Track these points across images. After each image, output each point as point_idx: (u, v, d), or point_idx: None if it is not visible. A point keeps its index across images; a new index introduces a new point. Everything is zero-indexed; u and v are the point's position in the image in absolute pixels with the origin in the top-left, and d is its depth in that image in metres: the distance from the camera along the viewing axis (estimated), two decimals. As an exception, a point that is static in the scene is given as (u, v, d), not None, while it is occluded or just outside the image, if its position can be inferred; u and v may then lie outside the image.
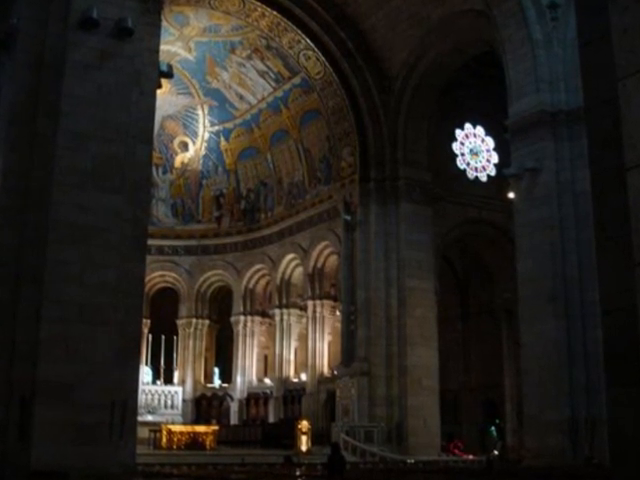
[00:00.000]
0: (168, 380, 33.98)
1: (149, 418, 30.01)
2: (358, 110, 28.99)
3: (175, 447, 25.31)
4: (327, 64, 28.78)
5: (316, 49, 28.60)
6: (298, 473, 16.25)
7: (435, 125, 29.79)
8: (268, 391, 33.72)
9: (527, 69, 21.82)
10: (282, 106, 32.01)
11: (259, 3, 27.46)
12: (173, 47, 30.18)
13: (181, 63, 31.26)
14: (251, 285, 35.51)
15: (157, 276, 35.54)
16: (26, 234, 12.36)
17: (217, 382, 36.42)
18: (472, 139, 32.04)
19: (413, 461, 23.40)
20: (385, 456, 24.50)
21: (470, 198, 30.62)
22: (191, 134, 35.15)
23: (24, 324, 11.93)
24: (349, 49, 28.49)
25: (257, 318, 35.36)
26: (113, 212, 12.85)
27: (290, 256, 33.42)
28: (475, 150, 31.90)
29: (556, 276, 20.15)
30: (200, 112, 34.29)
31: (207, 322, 36.42)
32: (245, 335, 35.02)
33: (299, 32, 28.32)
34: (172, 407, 32.69)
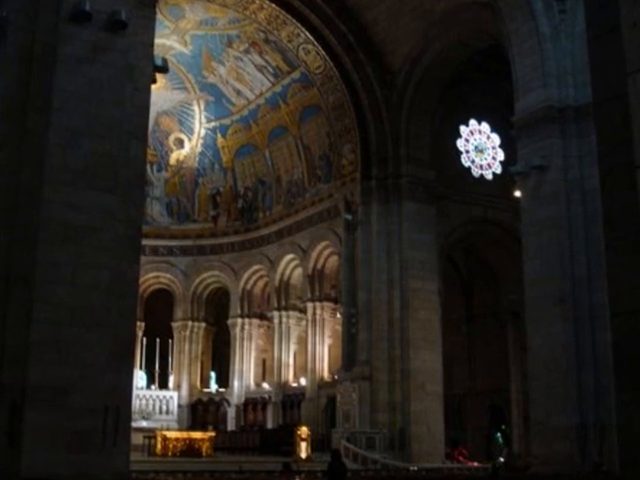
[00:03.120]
0: (163, 385, 33.84)
1: (143, 424, 29.90)
2: (359, 106, 28.73)
3: (170, 454, 25.11)
4: (327, 58, 28.55)
5: (316, 43, 28.34)
6: (297, 481, 16.02)
7: (439, 121, 29.65)
8: (266, 396, 33.50)
9: (534, 63, 21.60)
10: (281, 102, 31.77)
11: (257, -5, 27.13)
12: (168, 41, 30.01)
13: (176, 57, 31.10)
14: (249, 287, 35.30)
15: (152, 277, 35.41)
16: (16, 233, 12.08)
17: (214, 387, 36.53)
18: (477, 136, 31.89)
19: (416, 469, 23.10)
20: (387, 463, 24.22)
21: (475, 197, 30.40)
22: (187, 130, 35.03)
23: (14, 326, 11.64)
24: (350, 43, 28.19)
25: (255, 321, 35.18)
26: (106, 211, 12.64)
27: (289, 257, 33.19)
28: (480, 147, 31.68)
29: (564, 277, 19.86)
30: (196, 108, 34.17)
31: (203, 325, 36.33)
32: (243, 338, 34.86)
33: (298, 25, 28.05)
34: (167, 412, 32.57)
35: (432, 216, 28.41)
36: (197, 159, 35.36)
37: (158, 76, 15.75)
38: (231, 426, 33.52)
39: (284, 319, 33.26)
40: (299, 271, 32.85)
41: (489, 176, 31.37)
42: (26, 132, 12.37)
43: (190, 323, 35.61)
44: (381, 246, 27.74)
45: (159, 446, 25.21)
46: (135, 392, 27.68)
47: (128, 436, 13.14)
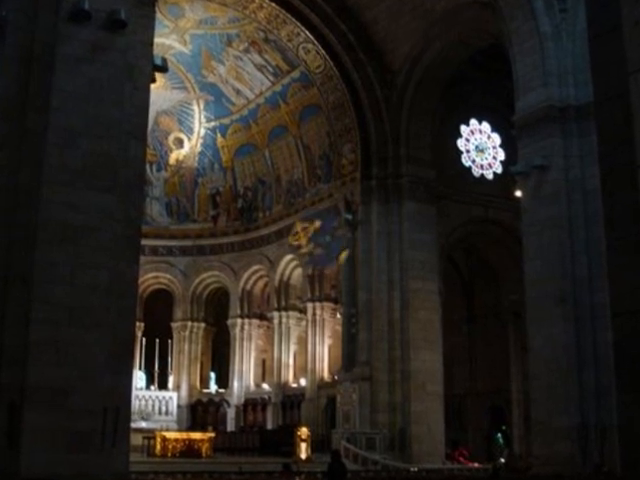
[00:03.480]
0: (162, 385, 33.77)
1: (143, 425, 29.87)
2: (359, 105, 28.59)
3: (170, 455, 25.05)
4: (327, 57, 28.43)
5: (316, 42, 28.22)
6: (297, 482, 15.95)
7: (439, 121, 29.47)
8: (266, 397, 33.35)
9: (535, 63, 21.48)
10: (281, 101, 31.62)
11: (257, -6, 27.01)
12: (167, 40, 29.89)
13: (176, 56, 30.97)
14: (248, 287, 35.16)
15: (151, 277, 35.27)
16: (15, 233, 12.10)
17: (213, 387, 36.41)
18: (478, 135, 31.68)
19: (416, 469, 22.93)
20: (387, 464, 24.10)
21: (476, 196, 30.21)
22: (186, 130, 34.88)
23: (12, 326, 11.67)
24: (350, 42, 28.06)
25: (255, 321, 35.03)
26: (105, 211, 12.66)
27: (289, 257, 32.99)
28: (481, 147, 31.48)
29: (565, 277, 19.75)
30: (196, 107, 34.01)
31: (203, 325, 36.18)
32: (242, 339, 34.70)
33: (298, 24, 27.93)
34: (167, 413, 32.56)
35: (432, 216, 28.25)
36: (197, 159, 35.20)
37: (157, 75, 15.73)
38: (231, 427, 33.35)
39: (284, 319, 33.10)
40: (299, 271, 32.69)
41: (490, 176, 31.18)
42: (25, 132, 12.39)
43: (190, 323, 35.46)
44: (381, 246, 27.60)
45: (158, 447, 25.15)
46: (134, 393, 27.66)
47: (127, 437, 13.13)
